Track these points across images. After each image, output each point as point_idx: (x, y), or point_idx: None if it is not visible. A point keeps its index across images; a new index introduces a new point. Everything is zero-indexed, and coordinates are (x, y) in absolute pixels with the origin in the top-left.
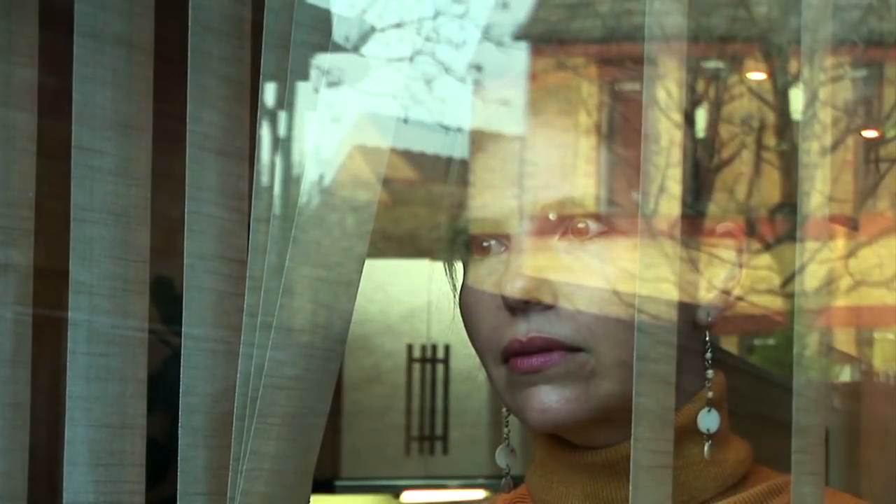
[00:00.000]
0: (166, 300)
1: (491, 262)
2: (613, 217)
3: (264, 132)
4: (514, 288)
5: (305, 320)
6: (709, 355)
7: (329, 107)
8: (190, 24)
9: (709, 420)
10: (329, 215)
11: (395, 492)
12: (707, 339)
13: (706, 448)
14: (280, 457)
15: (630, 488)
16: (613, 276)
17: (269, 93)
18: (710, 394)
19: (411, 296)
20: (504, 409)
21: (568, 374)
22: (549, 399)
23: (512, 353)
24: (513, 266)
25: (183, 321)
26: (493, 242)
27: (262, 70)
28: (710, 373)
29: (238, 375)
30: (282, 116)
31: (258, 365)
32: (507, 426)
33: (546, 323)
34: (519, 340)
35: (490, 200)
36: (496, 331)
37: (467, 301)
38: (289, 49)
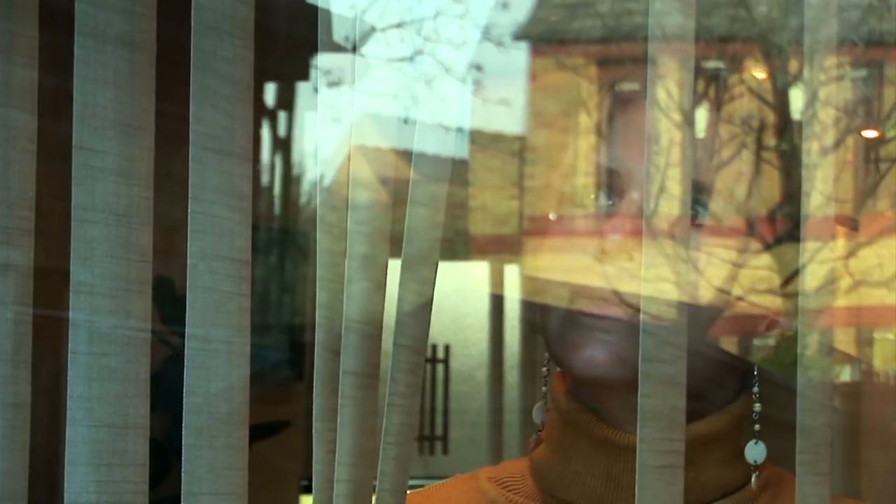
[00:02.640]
0: (167, 300)
1: (601, 213)
2: (719, 211)
3: (278, 132)
4: (616, 240)
5: (425, 334)
6: (756, 389)
7: (329, 107)
8: (193, 23)
9: (756, 452)
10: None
11: None
12: (755, 373)
13: (753, 480)
14: (395, 474)
15: (637, 489)
16: (703, 264)
17: (270, 93)
18: (757, 426)
19: None
20: (544, 367)
21: (627, 332)
22: (602, 349)
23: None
24: (627, 220)
25: (186, 321)
26: (612, 198)
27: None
28: (757, 406)
29: (315, 376)
30: (281, 116)
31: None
32: (545, 385)
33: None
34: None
35: (629, 159)
36: (580, 272)
37: (561, 228)
38: (292, 50)
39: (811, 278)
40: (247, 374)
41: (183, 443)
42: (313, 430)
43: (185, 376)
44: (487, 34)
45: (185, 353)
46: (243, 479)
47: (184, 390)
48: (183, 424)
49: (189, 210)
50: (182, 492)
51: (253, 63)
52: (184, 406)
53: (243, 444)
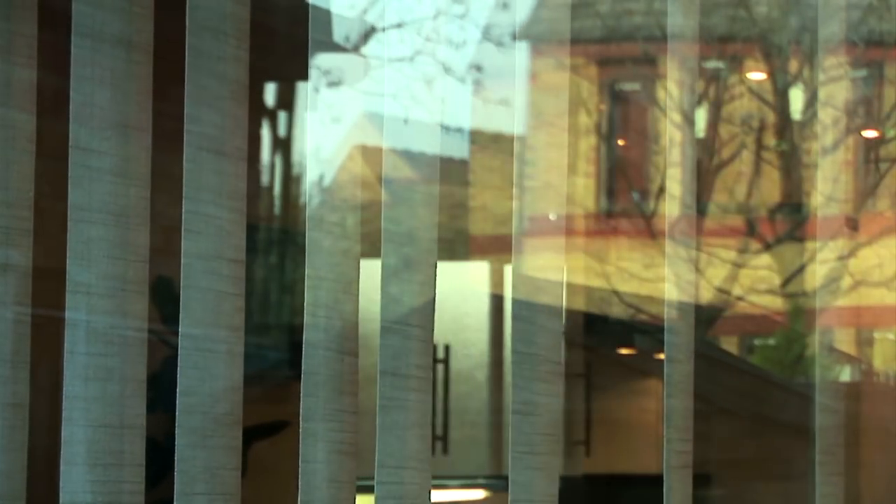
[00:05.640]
0: (167, 300)
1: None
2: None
3: (266, 132)
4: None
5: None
6: None
7: (329, 107)
8: (188, 23)
9: None
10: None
11: None
12: None
13: None
14: (534, 485)
15: (664, 490)
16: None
17: (270, 93)
18: None
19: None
20: None
21: None
22: None
23: None
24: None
25: (181, 321)
26: None
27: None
28: None
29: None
30: (282, 116)
31: None
32: None
33: None
34: None
35: None
36: None
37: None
38: (292, 50)
39: (813, 278)
40: (241, 375)
41: (176, 443)
42: (303, 430)
43: (178, 376)
44: (487, 34)
45: (179, 353)
46: (237, 479)
47: (178, 390)
48: (177, 424)
49: (184, 210)
50: (175, 492)
51: (248, 63)
52: (177, 406)
53: (237, 444)
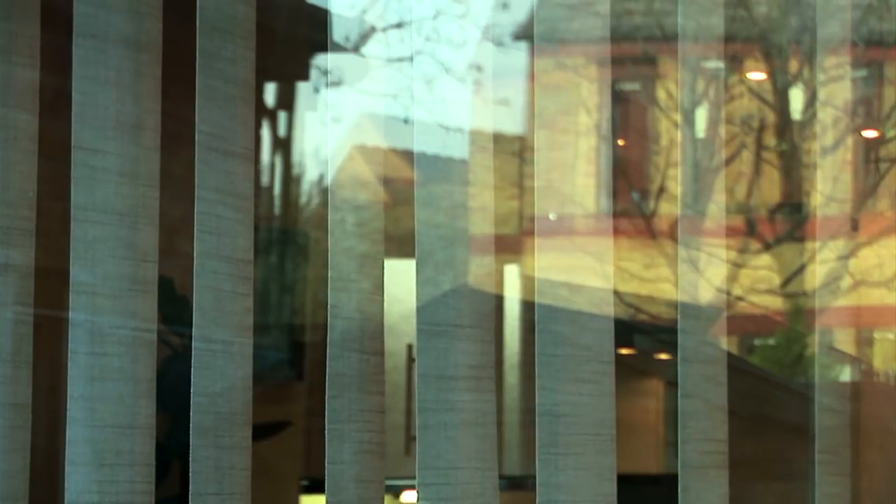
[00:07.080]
0: (166, 300)
1: None
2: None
3: (270, 132)
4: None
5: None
6: None
7: (329, 107)
8: (198, 24)
9: None
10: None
11: (395, 492)
12: None
13: None
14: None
15: (679, 490)
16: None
17: (270, 93)
18: None
19: (411, 296)
20: None
21: None
22: None
23: None
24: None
25: (193, 321)
26: None
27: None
28: None
29: (331, 377)
30: (282, 116)
31: None
32: None
33: None
34: None
35: None
36: None
37: None
38: (292, 50)
39: (815, 278)
40: (250, 374)
41: (190, 443)
42: (329, 431)
43: (192, 376)
44: (487, 34)
45: (193, 352)
46: (247, 479)
47: (191, 390)
48: (190, 425)
49: (196, 210)
50: (190, 492)
51: (255, 63)
52: (191, 406)
53: (247, 444)
